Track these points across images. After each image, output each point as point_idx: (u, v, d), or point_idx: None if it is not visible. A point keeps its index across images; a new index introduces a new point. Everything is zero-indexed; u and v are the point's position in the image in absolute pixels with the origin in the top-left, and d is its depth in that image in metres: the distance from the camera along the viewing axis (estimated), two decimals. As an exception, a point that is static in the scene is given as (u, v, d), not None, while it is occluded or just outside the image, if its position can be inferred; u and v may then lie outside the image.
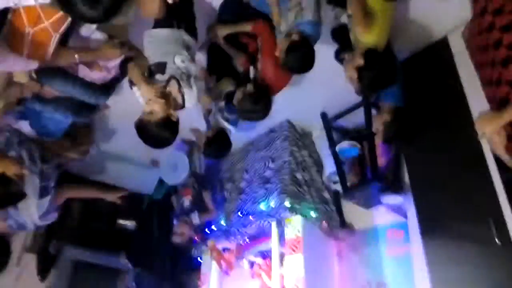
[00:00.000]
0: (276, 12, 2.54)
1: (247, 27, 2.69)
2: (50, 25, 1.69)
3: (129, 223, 4.52)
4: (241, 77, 2.84)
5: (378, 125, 2.62)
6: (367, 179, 3.35)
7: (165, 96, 2.17)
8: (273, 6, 2.53)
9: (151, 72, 2.24)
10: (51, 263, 4.13)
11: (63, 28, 1.75)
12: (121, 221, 4.51)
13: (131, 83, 2.27)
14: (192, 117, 3.19)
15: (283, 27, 2.53)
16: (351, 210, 3.69)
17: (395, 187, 3.23)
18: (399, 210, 3.26)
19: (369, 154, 3.32)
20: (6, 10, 1.65)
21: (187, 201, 3.95)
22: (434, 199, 2.67)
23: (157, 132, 2.17)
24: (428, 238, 2.62)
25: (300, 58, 2.42)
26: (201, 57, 2.95)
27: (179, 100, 2.23)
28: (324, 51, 2.81)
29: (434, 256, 2.54)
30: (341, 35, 2.84)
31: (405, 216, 3.19)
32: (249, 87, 2.51)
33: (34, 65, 1.84)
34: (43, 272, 4.05)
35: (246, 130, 3.75)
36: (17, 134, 2.76)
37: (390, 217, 3.37)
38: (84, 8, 1.12)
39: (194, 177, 4.04)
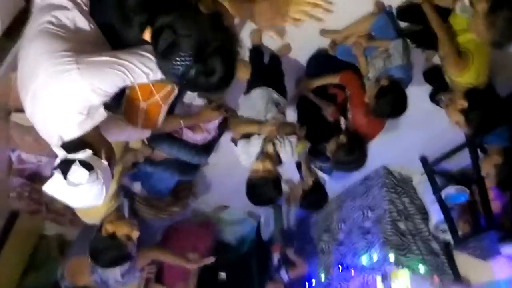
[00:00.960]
0: (363, 62, 2.57)
1: (336, 78, 2.74)
2: (160, 98, 1.92)
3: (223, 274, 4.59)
4: (332, 128, 2.86)
5: (488, 169, 2.43)
6: (482, 227, 3.06)
7: (268, 155, 2.29)
8: (360, 56, 2.57)
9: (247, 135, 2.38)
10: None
11: (170, 99, 1.97)
12: (221, 273, 4.58)
13: (234, 141, 2.43)
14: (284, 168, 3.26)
15: (372, 74, 2.54)
16: (466, 262, 3.38)
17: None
18: (523, 260, 2.89)
19: (481, 199, 3.06)
20: (124, 88, 1.92)
21: (275, 258, 3.94)
22: None
23: (266, 191, 2.27)
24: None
25: (390, 103, 2.39)
26: (291, 112, 3.05)
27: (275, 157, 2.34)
28: (418, 92, 2.75)
29: None
30: (434, 76, 2.76)
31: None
32: (342, 138, 2.52)
33: (147, 133, 2.09)
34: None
35: (341, 178, 3.70)
36: (129, 194, 3.07)
37: (514, 269, 3.00)
38: (206, 82, 1.22)
39: (281, 232, 4.04)
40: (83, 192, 1.31)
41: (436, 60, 2.70)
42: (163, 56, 1.19)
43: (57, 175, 1.28)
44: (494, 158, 2.43)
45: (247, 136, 2.39)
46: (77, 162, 1.29)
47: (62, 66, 1.30)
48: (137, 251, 2.90)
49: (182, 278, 3.66)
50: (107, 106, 2.00)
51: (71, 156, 1.31)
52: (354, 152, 2.51)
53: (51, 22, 1.34)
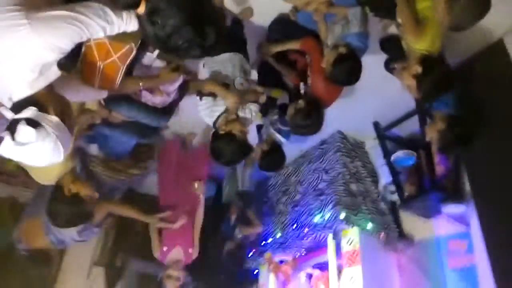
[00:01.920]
0: (323, 28, 2.60)
1: (296, 44, 2.76)
2: (118, 58, 1.87)
3: None
4: (292, 93, 2.91)
5: (432, 134, 2.56)
6: (426, 188, 3.27)
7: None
8: (320, 22, 2.59)
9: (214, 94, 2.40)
10: (118, 276, 4.35)
11: (129, 60, 1.92)
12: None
13: (200, 95, 2.44)
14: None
15: (330, 41, 2.58)
16: (410, 220, 3.60)
17: (456, 195, 3.13)
18: (461, 219, 3.14)
19: (426, 163, 3.25)
20: (80, 46, 1.85)
21: (232, 219, 4.04)
22: (498, 206, 2.56)
23: (234, 152, 2.31)
24: (494, 248, 2.51)
25: (347, 70, 2.46)
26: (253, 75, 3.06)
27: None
28: (373, 60, 2.83)
29: (501, 266, 2.43)
30: (390, 45, 2.85)
31: (468, 226, 3.07)
32: (300, 103, 2.57)
33: (104, 94, 2.04)
34: (111, 285, 4.28)
35: (298, 142, 3.80)
36: (85, 156, 3.00)
37: (452, 227, 3.25)
38: (197, 52, 1.31)
39: (238, 194, 4.13)
40: (36, 150, 1.28)
41: (392, 29, 2.79)
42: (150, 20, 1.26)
43: (7, 137, 1.25)
44: (438, 124, 2.57)
45: (213, 94, 2.40)
46: (22, 121, 1.25)
47: (11, 21, 1.24)
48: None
49: (181, 234, 3.49)
50: (62, 65, 1.94)
51: (17, 116, 1.27)
52: (312, 116, 2.57)
53: None
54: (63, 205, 2.32)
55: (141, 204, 3.65)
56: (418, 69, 2.15)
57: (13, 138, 1.25)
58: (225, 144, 2.31)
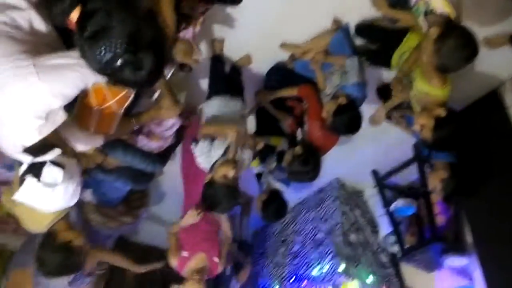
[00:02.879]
0: (320, 77, 2.64)
1: (293, 91, 2.79)
2: (115, 103, 1.85)
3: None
4: (289, 139, 2.90)
5: (435, 183, 2.53)
6: (426, 239, 3.19)
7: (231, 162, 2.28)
8: (317, 71, 2.64)
9: (213, 137, 2.35)
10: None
11: (126, 104, 1.91)
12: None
13: (196, 140, 2.39)
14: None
15: (329, 90, 2.61)
16: (411, 273, 3.50)
17: (458, 247, 3.05)
18: (463, 272, 3.04)
19: (426, 213, 3.19)
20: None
21: (228, 270, 3.90)
22: (502, 258, 2.49)
23: (225, 199, 2.22)
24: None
25: (347, 121, 2.46)
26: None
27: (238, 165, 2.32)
28: (371, 109, 2.86)
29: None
30: (387, 93, 2.89)
31: (471, 279, 2.97)
32: (298, 149, 2.55)
33: (100, 142, 2.00)
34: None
35: (297, 189, 3.74)
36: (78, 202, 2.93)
37: (454, 281, 3.14)
38: (132, 76, 1.18)
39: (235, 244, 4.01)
40: (60, 192, 1.30)
41: (387, 78, 2.84)
42: (91, 39, 1.12)
43: (30, 179, 1.25)
44: (440, 173, 2.54)
45: (210, 138, 2.36)
46: (48, 163, 1.25)
47: (19, 70, 1.25)
48: None
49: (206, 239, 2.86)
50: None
51: (40, 158, 1.27)
52: (309, 163, 2.54)
53: (5, 23, 1.28)
54: (53, 253, 2.18)
55: (134, 253, 3.51)
56: (443, 113, 2.10)
57: (39, 180, 1.26)
58: (221, 191, 2.25)
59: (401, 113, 2.39)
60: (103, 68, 1.16)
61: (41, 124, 1.30)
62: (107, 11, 1.11)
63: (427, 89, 2.16)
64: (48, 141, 1.33)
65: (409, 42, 2.33)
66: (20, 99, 1.27)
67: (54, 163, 1.27)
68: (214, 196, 2.22)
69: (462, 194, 2.61)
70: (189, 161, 2.72)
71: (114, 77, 1.20)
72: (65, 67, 1.30)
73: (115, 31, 1.11)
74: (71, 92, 1.34)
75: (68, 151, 1.39)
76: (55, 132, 1.37)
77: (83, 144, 2.00)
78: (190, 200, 2.82)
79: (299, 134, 2.79)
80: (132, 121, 2.15)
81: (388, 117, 2.87)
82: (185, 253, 2.72)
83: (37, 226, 2.21)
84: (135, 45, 1.13)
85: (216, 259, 2.77)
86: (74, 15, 1.17)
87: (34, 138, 1.30)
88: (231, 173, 2.21)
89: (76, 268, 2.31)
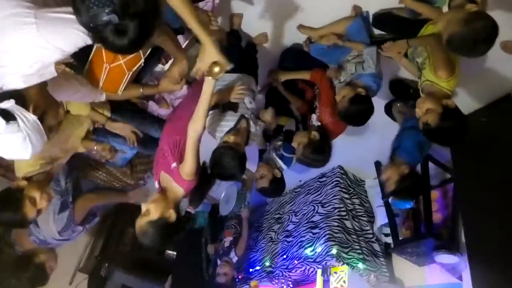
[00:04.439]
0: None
1: (306, 75, 2.79)
2: (124, 63, 1.89)
3: (171, 253, 4.58)
4: (298, 121, 2.92)
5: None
6: (421, 234, 3.22)
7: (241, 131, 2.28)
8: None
9: (223, 108, 2.36)
10: (101, 285, 4.27)
11: (135, 67, 1.95)
12: (169, 252, 4.60)
13: None
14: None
15: (343, 77, 2.60)
16: (402, 265, 3.52)
17: (451, 245, 3.07)
18: (453, 270, 3.07)
19: (424, 208, 3.21)
20: (91, 48, 1.88)
21: (227, 241, 3.98)
22: (492, 262, 2.51)
23: (233, 165, 2.17)
24: (484, 305, 2.44)
25: (360, 113, 2.45)
26: (261, 99, 3.08)
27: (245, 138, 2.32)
28: (381, 100, 2.85)
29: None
30: (399, 88, 2.89)
31: (460, 278, 3.00)
32: (315, 135, 2.54)
33: (102, 97, 2.03)
34: (93, 293, 4.20)
35: (298, 171, 3.77)
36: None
37: (444, 277, 3.17)
38: (113, 38, 1.20)
39: (236, 218, 4.09)
40: (2, 142, 1.30)
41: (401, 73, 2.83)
42: None
43: None
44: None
45: (220, 107, 2.36)
46: None
47: (19, 17, 1.27)
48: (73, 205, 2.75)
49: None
50: (71, 65, 1.97)
51: None
52: (325, 152, 2.56)
53: None
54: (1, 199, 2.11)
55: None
56: (450, 103, 2.07)
57: None
58: (230, 157, 2.18)
59: (407, 109, 2.37)
60: (87, 22, 1.18)
61: (29, 73, 1.32)
62: None
63: (433, 79, 2.15)
64: (21, 92, 1.33)
65: (426, 33, 2.29)
66: (15, 46, 1.29)
67: (4, 112, 1.28)
68: (221, 159, 2.17)
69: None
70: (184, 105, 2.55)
71: (97, 34, 1.22)
72: (66, 22, 1.30)
73: None
74: (68, 48, 1.35)
75: (49, 112, 1.40)
76: (38, 86, 1.39)
77: (85, 99, 2.04)
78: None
79: (314, 119, 2.76)
80: (140, 89, 2.17)
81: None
82: None
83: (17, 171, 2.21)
84: (123, 9, 1.15)
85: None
86: None
87: (17, 84, 1.32)
88: (236, 140, 2.20)
89: (18, 222, 2.14)
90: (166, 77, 2.14)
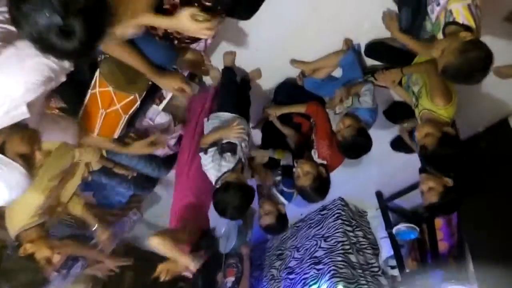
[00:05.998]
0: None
1: (302, 108, 2.78)
2: (121, 108, 1.88)
3: None
4: (293, 154, 2.89)
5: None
6: (427, 264, 3.13)
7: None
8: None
9: (222, 149, 2.35)
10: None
11: (132, 110, 1.94)
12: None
13: (202, 150, 2.38)
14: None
15: (339, 110, 2.60)
16: (410, 299, 3.41)
17: (459, 276, 2.98)
18: (464, 301, 2.97)
19: (429, 238, 3.15)
20: (85, 94, 1.87)
21: (230, 282, 3.86)
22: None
23: (240, 201, 2.18)
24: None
25: (359, 147, 2.44)
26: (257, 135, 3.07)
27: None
28: (379, 131, 2.84)
29: None
30: (395, 113, 2.88)
31: (471, 309, 2.89)
32: (323, 171, 2.53)
33: (75, 140, 1.93)
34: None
35: (299, 205, 3.70)
36: None
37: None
38: (61, 42, 1.09)
39: (238, 256, 3.98)
40: None
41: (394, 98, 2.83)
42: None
43: None
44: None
45: (216, 145, 2.37)
46: None
47: None
48: None
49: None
50: (65, 110, 1.96)
51: None
52: (328, 189, 2.54)
53: None
54: (15, 265, 2.06)
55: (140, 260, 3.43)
56: (450, 130, 2.07)
57: None
58: (234, 193, 2.20)
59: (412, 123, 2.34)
60: (29, 32, 1.08)
61: None
62: None
63: (431, 106, 2.14)
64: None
65: (420, 61, 2.30)
66: None
67: None
68: (227, 197, 2.18)
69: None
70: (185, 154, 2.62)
71: (43, 43, 1.10)
72: (28, 57, 1.26)
73: None
74: (34, 79, 1.30)
75: (12, 141, 1.35)
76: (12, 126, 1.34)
77: (66, 139, 1.98)
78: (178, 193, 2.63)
79: (314, 154, 2.68)
80: (111, 145, 2.17)
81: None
82: None
83: (11, 228, 2.13)
84: (64, 7, 1.05)
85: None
86: None
87: None
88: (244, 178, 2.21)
89: (41, 283, 2.11)
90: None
